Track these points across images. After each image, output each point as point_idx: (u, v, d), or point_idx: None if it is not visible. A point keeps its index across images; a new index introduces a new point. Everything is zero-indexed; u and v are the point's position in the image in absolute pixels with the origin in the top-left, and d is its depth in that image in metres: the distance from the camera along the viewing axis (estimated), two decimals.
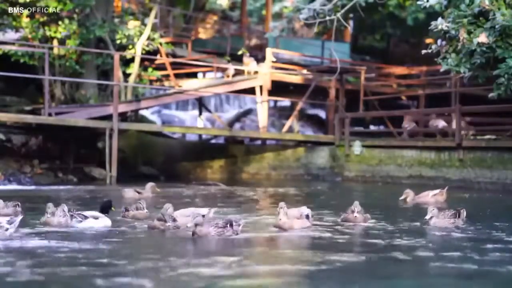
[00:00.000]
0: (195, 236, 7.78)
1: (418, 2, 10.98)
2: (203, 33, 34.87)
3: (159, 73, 22.60)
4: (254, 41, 32.69)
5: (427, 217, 9.03)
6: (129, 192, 13.01)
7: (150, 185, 13.49)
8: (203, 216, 8.63)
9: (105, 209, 8.90)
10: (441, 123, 18.05)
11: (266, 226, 8.99)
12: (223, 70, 23.42)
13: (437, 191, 12.92)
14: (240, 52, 23.25)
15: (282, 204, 8.64)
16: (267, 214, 10.32)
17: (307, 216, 8.89)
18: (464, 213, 9.32)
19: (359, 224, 9.12)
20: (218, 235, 7.80)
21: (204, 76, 26.52)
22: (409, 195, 12.64)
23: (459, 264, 6.46)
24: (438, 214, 9.06)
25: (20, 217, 7.86)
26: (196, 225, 7.79)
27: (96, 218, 8.58)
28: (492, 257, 6.82)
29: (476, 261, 6.56)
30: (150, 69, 22.11)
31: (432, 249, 7.34)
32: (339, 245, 7.59)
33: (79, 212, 8.66)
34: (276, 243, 7.91)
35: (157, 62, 22.78)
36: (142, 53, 21.27)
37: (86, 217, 8.53)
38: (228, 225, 7.94)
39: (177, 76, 23.45)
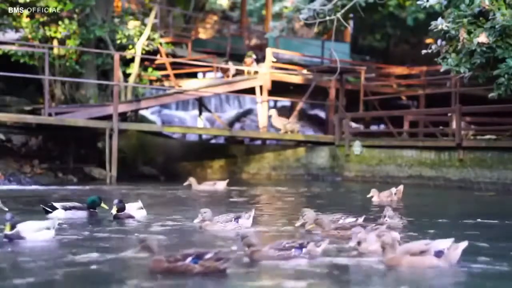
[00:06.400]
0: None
1: (418, 2, 10.95)
2: (203, 33, 34.86)
3: (159, 73, 22.60)
4: (254, 41, 32.68)
5: (352, 244, 6.97)
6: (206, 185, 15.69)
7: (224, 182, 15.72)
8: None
9: None
10: (353, 125, 20.28)
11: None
12: (224, 70, 23.42)
13: (394, 189, 12.79)
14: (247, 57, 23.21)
15: (394, 234, 6.53)
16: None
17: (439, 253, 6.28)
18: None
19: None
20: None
21: (204, 76, 26.52)
22: (375, 195, 12.49)
23: None
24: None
25: None
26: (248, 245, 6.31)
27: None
28: None
29: None
30: (150, 69, 22.11)
31: None
32: None
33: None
34: None
35: (157, 62, 22.78)
36: (142, 53, 21.27)
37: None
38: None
39: (177, 76, 23.44)
